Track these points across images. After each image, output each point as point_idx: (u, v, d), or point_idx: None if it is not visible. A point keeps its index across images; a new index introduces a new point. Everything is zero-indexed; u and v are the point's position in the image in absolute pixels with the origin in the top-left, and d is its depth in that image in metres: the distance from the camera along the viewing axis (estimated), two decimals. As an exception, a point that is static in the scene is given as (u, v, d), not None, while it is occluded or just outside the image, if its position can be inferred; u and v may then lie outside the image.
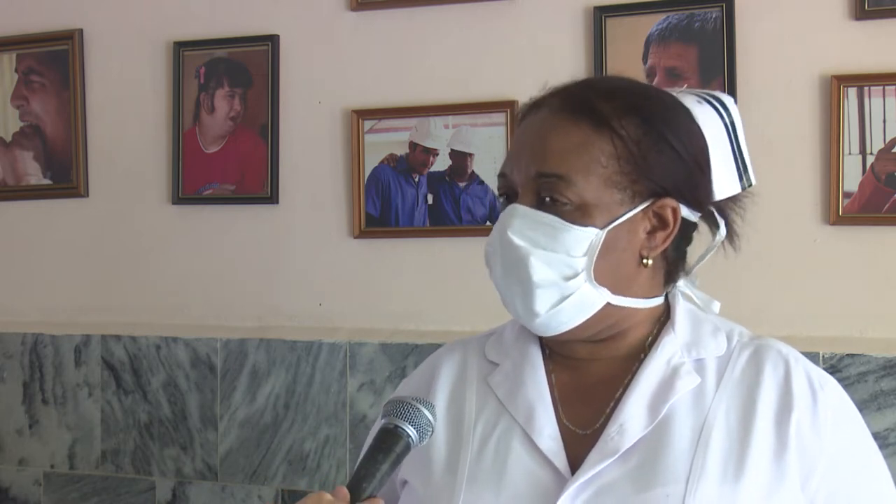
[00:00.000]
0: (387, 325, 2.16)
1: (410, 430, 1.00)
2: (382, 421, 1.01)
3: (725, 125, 1.13)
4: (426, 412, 1.01)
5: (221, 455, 2.22)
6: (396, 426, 1.00)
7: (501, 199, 1.10)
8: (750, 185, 1.16)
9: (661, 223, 1.06)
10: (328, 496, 0.94)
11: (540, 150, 1.05)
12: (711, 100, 1.14)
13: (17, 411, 2.40)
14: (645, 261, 1.06)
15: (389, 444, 0.99)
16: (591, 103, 1.05)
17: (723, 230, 1.13)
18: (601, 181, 1.03)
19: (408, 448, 1.00)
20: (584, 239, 1.02)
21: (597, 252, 1.02)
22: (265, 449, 2.19)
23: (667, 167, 1.05)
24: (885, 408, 1.80)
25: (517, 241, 1.03)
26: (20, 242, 2.47)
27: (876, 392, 1.81)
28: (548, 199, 1.03)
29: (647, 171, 1.04)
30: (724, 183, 1.12)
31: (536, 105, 1.10)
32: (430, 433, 1.02)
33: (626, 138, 1.03)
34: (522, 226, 1.04)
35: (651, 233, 1.06)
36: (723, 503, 0.98)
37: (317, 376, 2.16)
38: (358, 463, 1.00)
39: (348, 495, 0.96)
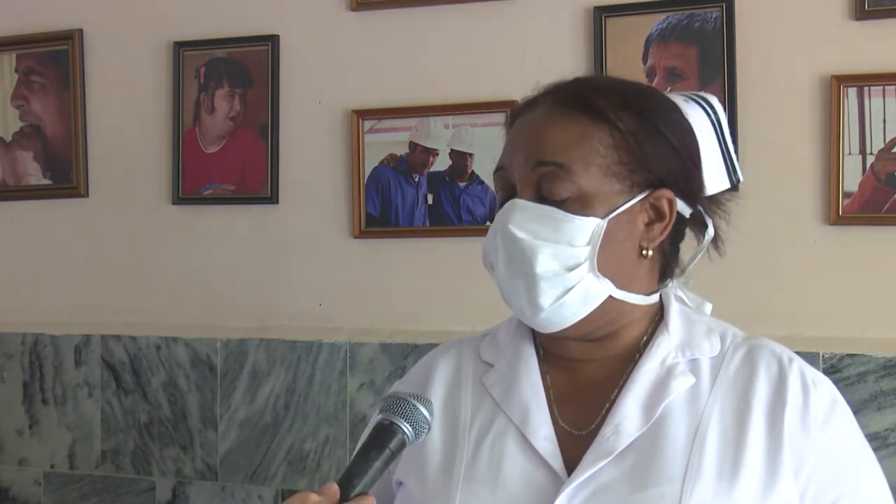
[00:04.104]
0: (387, 325, 2.15)
1: (406, 428, 0.97)
2: (378, 416, 0.99)
3: (713, 122, 1.16)
4: (423, 409, 0.99)
5: (221, 455, 2.22)
6: (392, 423, 0.97)
7: (499, 197, 1.10)
8: (738, 181, 1.18)
9: (658, 215, 1.07)
10: (314, 497, 0.92)
11: (539, 142, 1.05)
12: (698, 99, 1.17)
13: (17, 411, 2.40)
14: (645, 252, 1.07)
15: (384, 440, 0.97)
16: (587, 98, 1.06)
17: (711, 229, 1.14)
18: (601, 171, 1.03)
19: (403, 445, 0.98)
20: (587, 228, 1.03)
21: (599, 242, 1.03)
22: (265, 449, 2.19)
23: (663, 159, 1.06)
24: (885, 408, 1.80)
25: (519, 234, 1.03)
26: (20, 242, 2.47)
27: (876, 392, 1.80)
28: (547, 191, 1.04)
29: (644, 161, 1.05)
30: (714, 178, 1.14)
31: (530, 104, 1.11)
32: (426, 431, 1.00)
33: (623, 130, 1.04)
34: (524, 219, 1.04)
35: (649, 224, 1.07)
36: (719, 502, 0.97)
37: (317, 376, 2.16)
38: (351, 459, 0.98)
39: (338, 492, 0.93)
